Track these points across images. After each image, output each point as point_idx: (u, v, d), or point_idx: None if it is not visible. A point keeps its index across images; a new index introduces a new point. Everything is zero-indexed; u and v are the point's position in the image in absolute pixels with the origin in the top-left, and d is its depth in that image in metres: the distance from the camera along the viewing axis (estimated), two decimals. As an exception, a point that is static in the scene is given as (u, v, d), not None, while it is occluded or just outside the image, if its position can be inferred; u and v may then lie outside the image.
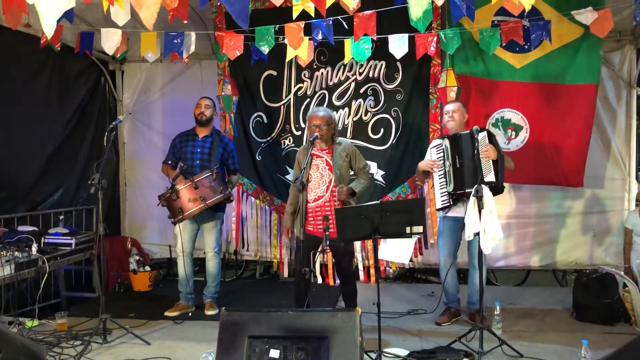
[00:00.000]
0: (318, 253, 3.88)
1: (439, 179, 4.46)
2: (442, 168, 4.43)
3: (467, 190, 4.18)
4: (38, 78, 5.30)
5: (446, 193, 4.38)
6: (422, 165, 4.62)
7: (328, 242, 3.72)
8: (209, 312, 4.84)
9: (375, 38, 4.38)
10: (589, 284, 4.53)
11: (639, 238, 5.03)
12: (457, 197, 4.33)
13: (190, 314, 4.81)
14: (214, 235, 4.91)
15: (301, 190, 3.97)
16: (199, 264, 6.45)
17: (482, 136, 4.25)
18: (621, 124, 5.61)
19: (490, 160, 4.19)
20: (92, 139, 6.01)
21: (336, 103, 5.75)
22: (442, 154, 4.46)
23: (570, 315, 4.68)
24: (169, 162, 4.93)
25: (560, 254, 5.75)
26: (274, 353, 3.06)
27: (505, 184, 5.43)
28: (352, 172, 4.38)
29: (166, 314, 4.81)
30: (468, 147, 4.29)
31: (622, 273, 4.70)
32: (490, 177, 4.16)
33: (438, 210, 4.54)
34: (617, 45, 5.55)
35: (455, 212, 4.41)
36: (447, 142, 4.42)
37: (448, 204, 4.39)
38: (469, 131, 4.31)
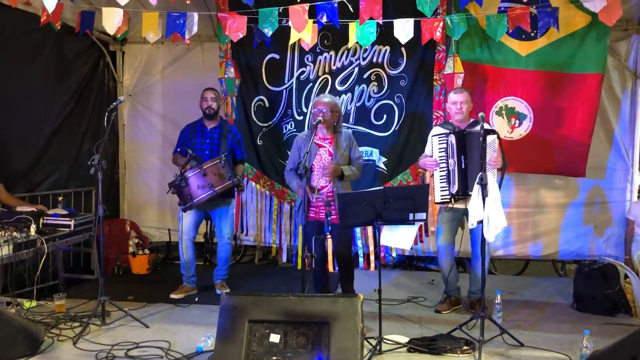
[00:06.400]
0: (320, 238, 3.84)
1: (440, 172, 4.38)
2: (445, 164, 4.34)
3: (470, 193, 4.09)
4: (37, 58, 5.20)
5: (447, 192, 4.32)
6: (424, 165, 4.59)
7: (330, 227, 3.70)
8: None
9: (381, 22, 4.32)
10: (591, 274, 4.51)
11: (640, 229, 5.03)
12: (460, 198, 4.28)
13: (196, 299, 4.76)
14: (227, 222, 4.93)
15: (302, 176, 3.91)
16: (197, 249, 6.44)
17: (491, 139, 4.13)
18: (625, 115, 5.55)
19: (496, 169, 4.17)
20: (91, 121, 5.94)
21: (339, 88, 5.68)
22: (444, 148, 4.35)
23: (571, 305, 4.66)
24: (179, 151, 4.94)
25: (560, 244, 5.71)
26: (275, 338, 3.05)
27: (506, 173, 5.42)
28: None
29: (172, 296, 4.81)
30: (475, 147, 4.15)
31: (624, 264, 4.69)
32: None
33: (437, 204, 4.49)
34: (623, 34, 5.47)
35: (455, 205, 4.37)
36: (452, 139, 4.29)
37: (448, 200, 4.35)
38: (478, 130, 3.94)
